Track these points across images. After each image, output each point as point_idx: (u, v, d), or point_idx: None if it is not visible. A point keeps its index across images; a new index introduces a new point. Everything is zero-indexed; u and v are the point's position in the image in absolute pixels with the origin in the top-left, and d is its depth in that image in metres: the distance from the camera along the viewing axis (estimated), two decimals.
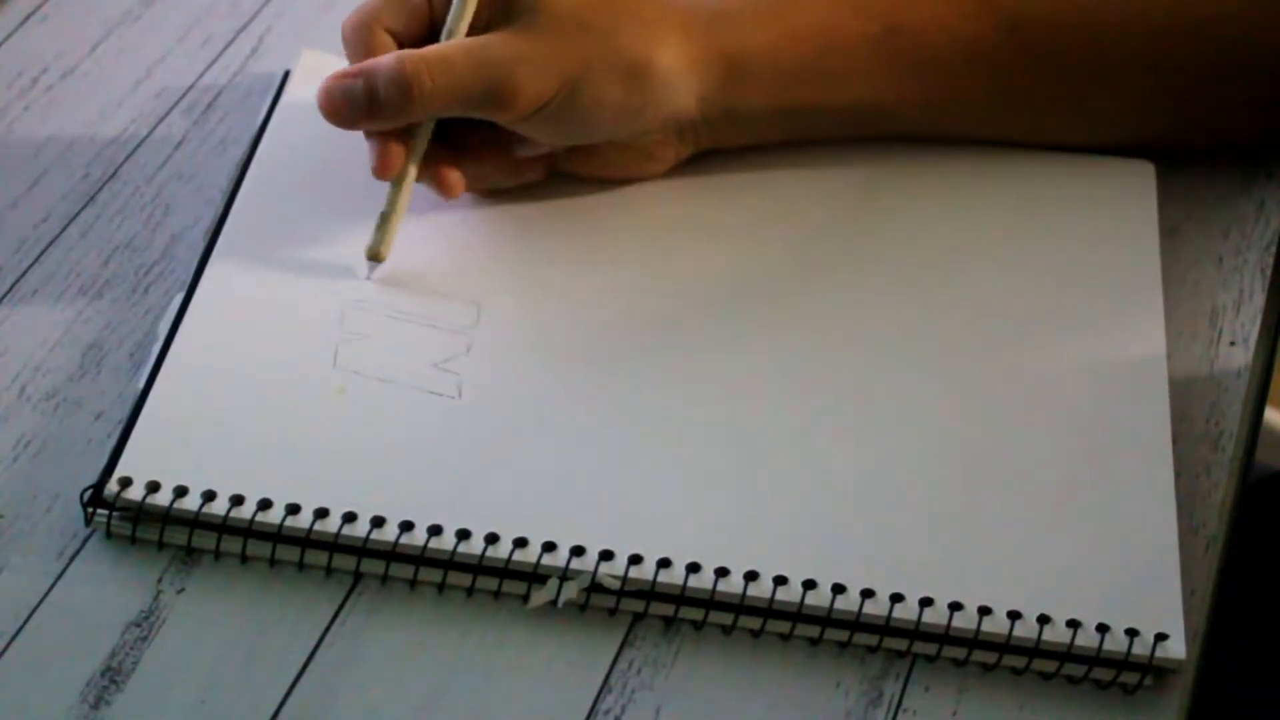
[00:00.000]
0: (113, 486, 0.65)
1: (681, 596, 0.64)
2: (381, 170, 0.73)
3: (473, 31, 0.73)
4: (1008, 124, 0.81)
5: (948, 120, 0.80)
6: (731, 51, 0.75)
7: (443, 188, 0.74)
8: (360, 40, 0.73)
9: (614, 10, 0.73)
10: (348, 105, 0.72)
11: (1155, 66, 0.79)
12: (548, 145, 0.75)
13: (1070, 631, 0.63)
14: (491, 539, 0.64)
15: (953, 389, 0.71)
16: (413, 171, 0.73)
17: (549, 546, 0.64)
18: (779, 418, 0.69)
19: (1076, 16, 0.78)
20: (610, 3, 0.73)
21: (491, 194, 0.77)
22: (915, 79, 0.78)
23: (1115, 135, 0.81)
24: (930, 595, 0.64)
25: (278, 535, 0.64)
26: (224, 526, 0.64)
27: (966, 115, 0.80)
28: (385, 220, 0.73)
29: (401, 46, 0.73)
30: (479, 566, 0.64)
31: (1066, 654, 0.63)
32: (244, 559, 0.65)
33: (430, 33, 0.74)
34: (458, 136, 0.75)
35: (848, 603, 0.64)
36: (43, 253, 0.76)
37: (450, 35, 0.73)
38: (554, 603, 0.64)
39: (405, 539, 0.64)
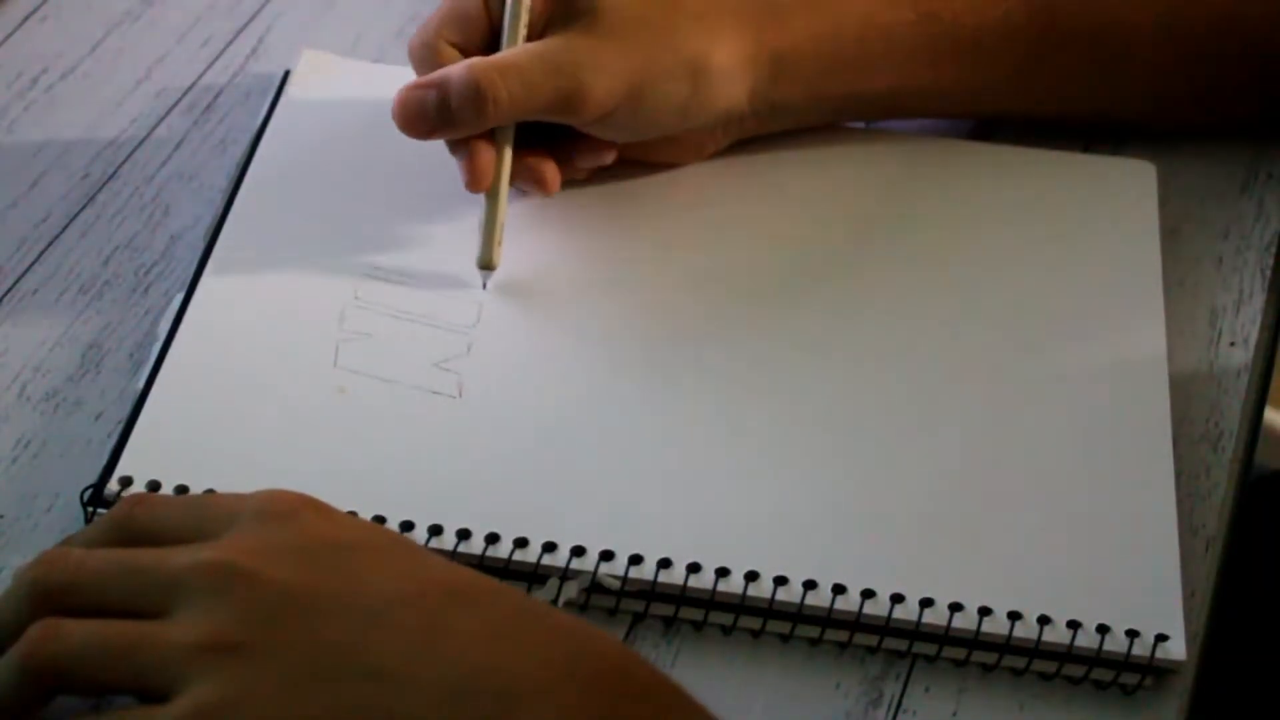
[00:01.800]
0: (113, 486, 0.65)
1: (682, 596, 0.64)
2: (474, 184, 0.73)
3: (530, 36, 0.73)
4: (1036, 101, 0.82)
5: (980, 100, 0.82)
6: (780, 45, 0.76)
7: (541, 185, 0.75)
8: (427, 58, 0.73)
9: (671, 8, 0.74)
10: (421, 116, 0.72)
11: (1172, 41, 0.81)
12: (606, 151, 0.76)
13: (1070, 632, 0.63)
14: (492, 539, 0.64)
15: (953, 389, 0.71)
16: (505, 179, 0.74)
17: (549, 546, 0.64)
18: (779, 418, 0.69)
19: None
20: (666, 1, 0.74)
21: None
22: (950, 63, 0.79)
23: (1136, 106, 0.83)
24: (930, 596, 0.64)
25: None
26: None
27: (998, 95, 0.81)
28: (488, 228, 0.73)
29: (466, 56, 0.73)
30: (479, 566, 0.64)
31: (1066, 654, 0.63)
32: None
33: (492, 41, 0.74)
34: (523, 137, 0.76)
35: (848, 603, 0.64)
36: (43, 253, 0.76)
37: (510, 42, 0.73)
38: (554, 602, 0.64)
39: None
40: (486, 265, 0.73)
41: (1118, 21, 0.80)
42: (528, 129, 0.75)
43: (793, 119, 0.80)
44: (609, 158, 0.76)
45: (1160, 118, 0.83)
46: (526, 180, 0.75)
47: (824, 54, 0.77)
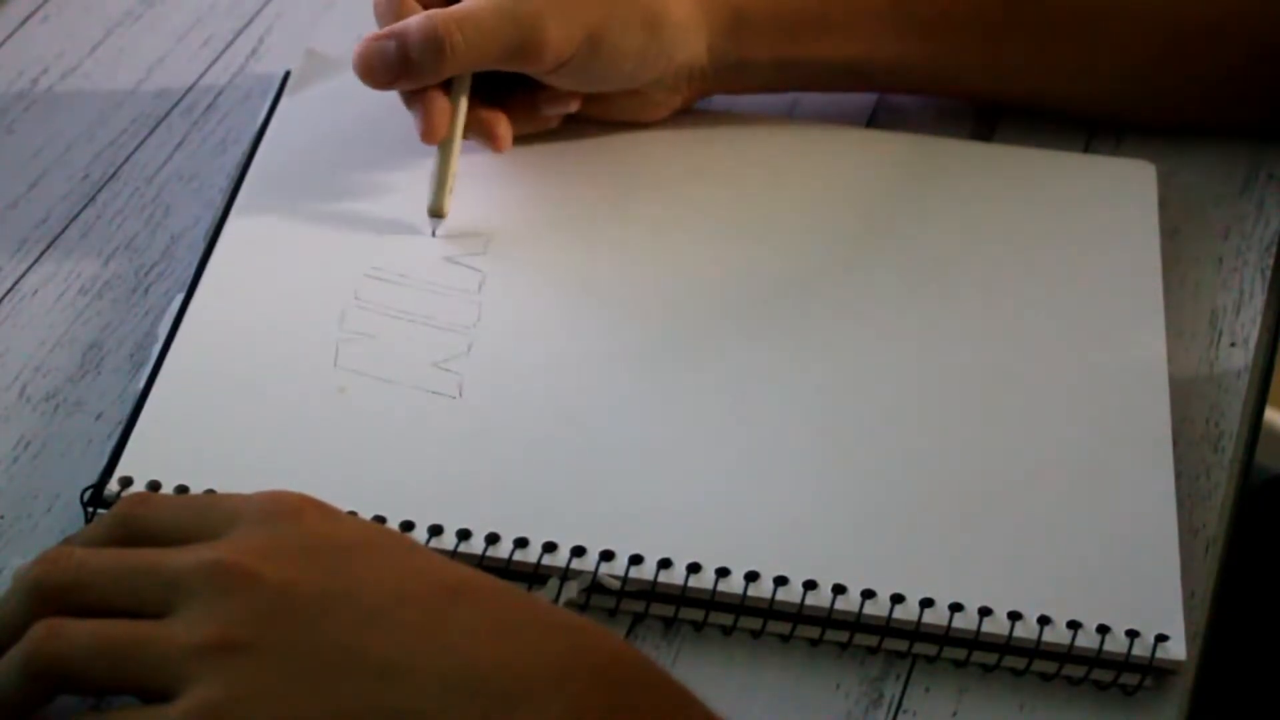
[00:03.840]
0: (113, 486, 0.65)
1: (682, 597, 0.64)
2: (428, 135, 0.74)
3: None
4: (1010, 85, 0.82)
5: (951, 79, 0.82)
6: (740, 1, 0.77)
7: (493, 140, 0.76)
8: (391, 10, 0.75)
9: None
10: (382, 65, 0.74)
11: (1157, 32, 0.81)
12: (571, 98, 0.77)
13: (1070, 632, 0.63)
14: (492, 539, 0.64)
15: (953, 390, 0.71)
16: (459, 130, 0.75)
17: (549, 546, 0.64)
18: (780, 418, 0.69)
19: None
20: None
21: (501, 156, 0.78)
22: (918, 36, 0.79)
23: (1116, 102, 0.83)
24: (931, 596, 0.64)
25: None
26: None
27: (971, 75, 0.82)
28: (440, 178, 0.75)
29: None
30: (480, 566, 0.64)
31: (1067, 655, 0.63)
32: None
33: None
34: (486, 92, 0.77)
35: (848, 603, 0.64)
36: (43, 253, 0.76)
37: None
38: (555, 602, 0.64)
39: None
40: (436, 212, 0.75)
41: (1098, 8, 0.80)
42: (490, 83, 0.76)
43: (758, 81, 0.80)
44: (573, 105, 0.78)
45: (1155, 113, 0.83)
46: (479, 134, 0.76)
47: (786, 14, 0.78)
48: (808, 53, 0.79)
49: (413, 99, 0.75)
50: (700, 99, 0.81)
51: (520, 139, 0.78)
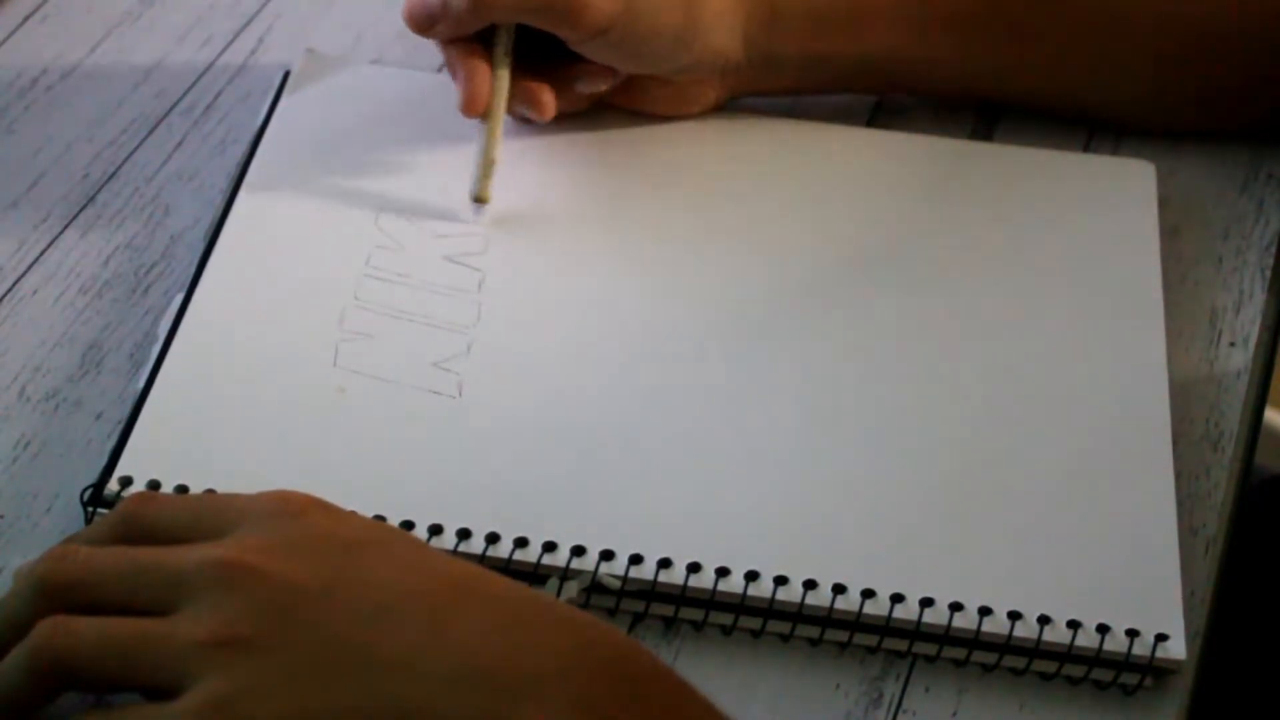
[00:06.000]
0: (113, 486, 0.65)
1: (682, 597, 0.64)
2: (470, 106, 0.75)
3: None
4: (1029, 84, 0.83)
5: (977, 78, 0.83)
6: None
7: (538, 107, 0.77)
8: None
9: None
10: (422, 8, 0.75)
11: (1183, 31, 0.81)
12: (605, 74, 0.78)
13: (1070, 632, 0.63)
14: (492, 539, 0.64)
15: (953, 389, 0.71)
16: (501, 104, 0.75)
17: (549, 546, 0.64)
18: (780, 418, 0.69)
19: None
20: None
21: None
22: (945, 32, 0.81)
23: (1133, 99, 0.83)
24: (930, 595, 0.64)
25: None
26: None
27: (997, 74, 0.82)
28: (484, 160, 0.75)
29: None
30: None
31: (1066, 654, 0.63)
32: None
33: None
34: (524, 66, 0.77)
35: (848, 603, 0.64)
36: (43, 253, 0.76)
37: None
38: None
39: None
40: (479, 199, 0.75)
41: (1114, 9, 0.81)
42: (528, 56, 0.76)
43: (790, 77, 0.81)
44: (605, 83, 0.78)
45: (1160, 116, 0.83)
46: (524, 102, 0.77)
47: (817, 9, 0.79)
48: (835, 48, 0.80)
49: (455, 65, 0.75)
50: (730, 98, 0.81)
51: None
